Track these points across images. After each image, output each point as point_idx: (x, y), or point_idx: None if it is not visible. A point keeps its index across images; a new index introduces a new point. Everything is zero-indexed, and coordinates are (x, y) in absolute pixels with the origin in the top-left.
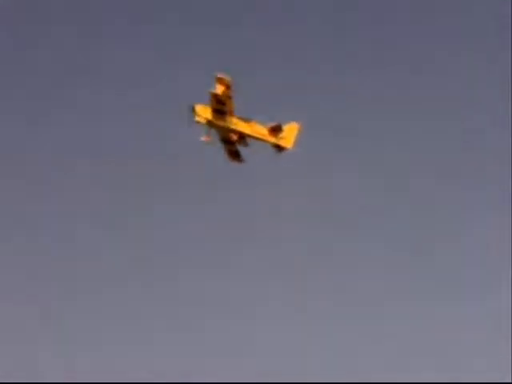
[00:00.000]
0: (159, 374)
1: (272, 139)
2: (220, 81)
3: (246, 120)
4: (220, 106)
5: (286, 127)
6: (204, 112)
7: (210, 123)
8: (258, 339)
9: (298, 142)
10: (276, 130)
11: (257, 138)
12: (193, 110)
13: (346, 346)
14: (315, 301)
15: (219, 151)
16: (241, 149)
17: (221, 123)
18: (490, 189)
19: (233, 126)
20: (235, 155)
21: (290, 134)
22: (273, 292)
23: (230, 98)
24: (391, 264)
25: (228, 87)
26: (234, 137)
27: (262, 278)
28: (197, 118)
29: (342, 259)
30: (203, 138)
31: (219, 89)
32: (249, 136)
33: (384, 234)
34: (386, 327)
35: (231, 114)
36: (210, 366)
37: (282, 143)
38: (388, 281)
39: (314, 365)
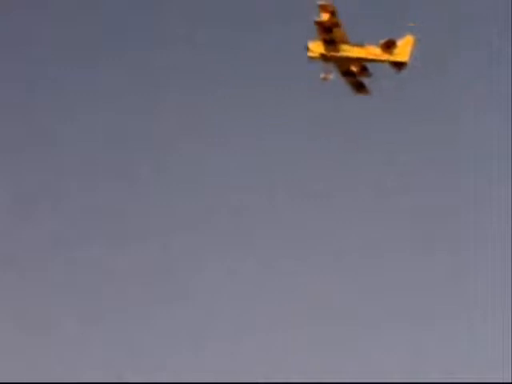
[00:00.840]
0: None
1: (387, 57)
2: (323, 8)
3: (359, 45)
4: (328, 35)
5: (400, 42)
6: (316, 47)
7: (324, 57)
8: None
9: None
10: (389, 46)
11: (373, 60)
12: (307, 48)
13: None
14: None
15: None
16: (365, 80)
17: (334, 53)
18: None
19: (346, 53)
20: (360, 87)
21: (404, 48)
22: None
23: (337, 25)
24: None
25: (333, 13)
26: (354, 68)
27: None
28: (309, 54)
29: None
30: (322, 76)
31: (324, 16)
32: (365, 60)
33: None
34: (385, 324)
35: (343, 41)
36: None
37: (397, 58)
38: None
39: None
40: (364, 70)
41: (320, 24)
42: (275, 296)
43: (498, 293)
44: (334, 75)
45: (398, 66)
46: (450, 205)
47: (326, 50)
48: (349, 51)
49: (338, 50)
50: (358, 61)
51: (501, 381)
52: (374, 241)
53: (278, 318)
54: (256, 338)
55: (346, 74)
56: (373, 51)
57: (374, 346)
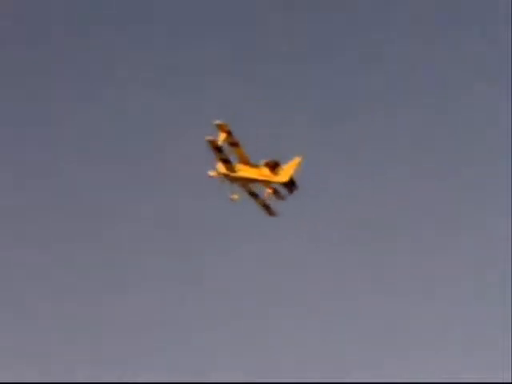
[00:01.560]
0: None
1: (273, 178)
2: (220, 128)
3: (256, 165)
4: (221, 154)
5: (287, 164)
6: (220, 167)
7: (227, 176)
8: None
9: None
10: (273, 167)
11: (264, 182)
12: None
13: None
14: None
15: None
16: (278, 202)
17: (231, 173)
18: None
19: (240, 174)
20: (266, 208)
21: (289, 169)
22: None
23: (234, 144)
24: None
25: (229, 133)
26: (268, 190)
27: None
28: (210, 173)
29: None
30: (230, 197)
31: (221, 136)
32: (257, 181)
33: None
34: (385, 325)
35: (243, 161)
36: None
37: (277, 179)
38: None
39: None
40: (276, 191)
41: (210, 143)
42: None
43: (498, 292)
44: (241, 195)
45: (287, 187)
46: None
47: (226, 169)
48: (242, 172)
49: (234, 170)
50: (254, 182)
51: (501, 381)
52: None
53: None
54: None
55: (252, 194)
56: (264, 172)
57: (374, 345)
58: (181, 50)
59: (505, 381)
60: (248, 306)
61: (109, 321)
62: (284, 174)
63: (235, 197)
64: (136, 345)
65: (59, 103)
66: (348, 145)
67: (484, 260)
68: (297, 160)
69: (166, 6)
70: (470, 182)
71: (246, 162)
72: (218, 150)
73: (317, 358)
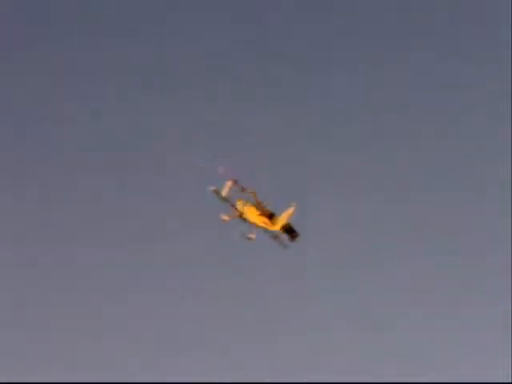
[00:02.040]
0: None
1: (269, 226)
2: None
3: (261, 209)
4: (226, 202)
5: (283, 213)
6: (233, 211)
7: (240, 218)
8: None
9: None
10: (269, 217)
11: (263, 227)
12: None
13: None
14: None
15: None
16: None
17: (243, 215)
18: None
19: (248, 217)
20: (280, 242)
21: (282, 218)
22: None
23: (243, 189)
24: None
25: (235, 181)
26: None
27: None
28: (223, 217)
29: None
30: (246, 236)
31: (227, 185)
32: (260, 226)
33: None
34: (386, 327)
35: (256, 204)
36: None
37: (273, 228)
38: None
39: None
40: (290, 231)
41: (215, 193)
42: None
43: (497, 292)
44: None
45: (288, 234)
46: None
47: (237, 212)
48: (249, 215)
49: (243, 213)
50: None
51: (501, 381)
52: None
53: None
54: None
55: (267, 232)
56: (264, 219)
57: (374, 345)
58: (181, 49)
59: (505, 381)
60: (248, 307)
61: (109, 321)
62: (278, 224)
63: (252, 236)
64: (136, 345)
65: (59, 103)
66: (348, 146)
67: (484, 260)
68: (290, 210)
69: (166, 5)
70: (470, 183)
71: (258, 205)
72: (223, 199)
73: (316, 358)
